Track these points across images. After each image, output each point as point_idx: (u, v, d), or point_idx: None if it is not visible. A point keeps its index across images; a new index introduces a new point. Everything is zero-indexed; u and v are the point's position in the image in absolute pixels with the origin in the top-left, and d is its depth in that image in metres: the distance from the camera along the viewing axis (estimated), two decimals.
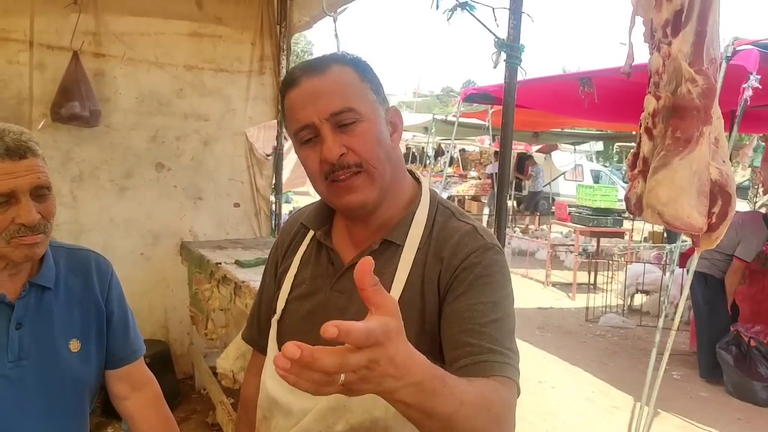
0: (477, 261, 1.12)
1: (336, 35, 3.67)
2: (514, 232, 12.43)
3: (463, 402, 0.88)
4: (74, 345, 1.43)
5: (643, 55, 1.73)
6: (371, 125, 1.14)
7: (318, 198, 1.36)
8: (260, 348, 1.42)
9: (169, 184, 4.34)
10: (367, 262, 0.75)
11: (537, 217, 14.20)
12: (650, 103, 1.49)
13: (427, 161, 17.80)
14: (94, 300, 1.49)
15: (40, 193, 1.33)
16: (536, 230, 13.44)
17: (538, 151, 15.80)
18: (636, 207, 1.59)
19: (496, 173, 11.56)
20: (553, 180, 14.34)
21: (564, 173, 15.99)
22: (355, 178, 1.13)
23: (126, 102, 4.14)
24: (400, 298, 1.13)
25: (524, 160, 15.03)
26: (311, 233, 1.31)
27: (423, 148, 19.95)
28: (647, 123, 1.50)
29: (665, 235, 11.37)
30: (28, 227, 1.30)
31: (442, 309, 1.13)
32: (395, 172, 1.20)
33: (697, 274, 5.22)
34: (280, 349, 1.23)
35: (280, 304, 1.29)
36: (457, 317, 1.09)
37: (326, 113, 1.11)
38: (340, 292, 1.20)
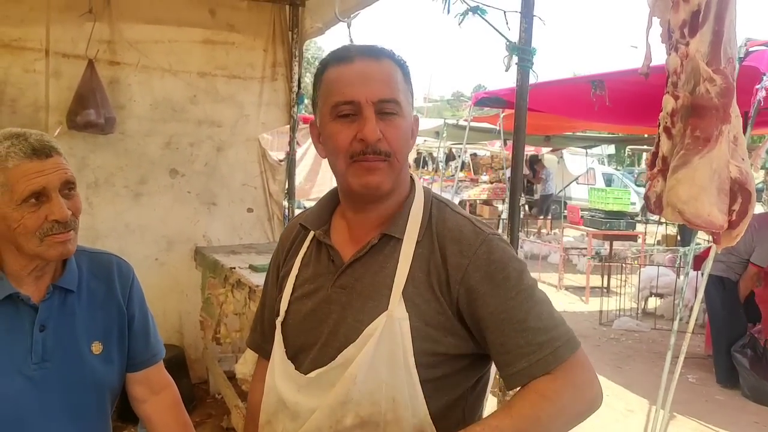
0: (485, 255, 1.16)
1: (351, 41, 3.69)
2: (527, 236, 12.40)
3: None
4: (96, 347, 1.45)
5: (657, 57, 1.74)
6: (405, 123, 1.20)
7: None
8: (265, 353, 1.42)
9: (183, 189, 4.38)
10: None
11: (548, 221, 14.16)
12: (669, 103, 1.50)
13: (439, 166, 17.80)
14: (116, 303, 1.51)
15: (68, 189, 1.36)
16: (548, 234, 13.40)
17: (550, 152, 15.74)
18: (656, 206, 1.60)
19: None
20: (566, 186, 14.27)
21: (577, 178, 15.93)
22: (380, 162, 1.16)
23: (140, 109, 4.18)
24: (403, 291, 1.16)
25: (534, 163, 14.98)
26: (311, 235, 1.33)
27: (434, 152, 19.96)
28: (666, 122, 1.51)
29: (679, 237, 11.32)
30: (61, 223, 1.32)
31: (461, 307, 1.16)
32: (405, 172, 1.26)
33: (713, 278, 5.18)
34: (286, 350, 1.26)
35: (283, 306, 1.31)
36: (495, 321, 1.13)
37: (375, 97, 1.14)
38: (342, 288, 1.23)
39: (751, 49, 3.57)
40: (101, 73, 3.89)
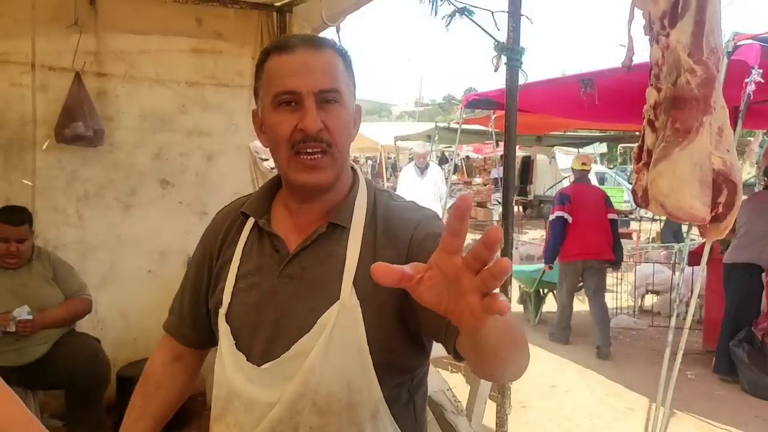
0: (429, 230, 1.19)
1: (341, 45, 3.68)
2: (524, 234, 12.40)
3: (513, 325, 0.98)
4: None
5: (644, 52, 1.73)
6: (347, 112, 1.21)
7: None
8: (181, 337, 1.45)
9: (175, 200, 4.35)
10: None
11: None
12: (651, 96, 1.49)
13: None
14: None
15: None
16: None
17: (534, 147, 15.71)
18: (643, 199, 1.58)
19: (500, 177, 11.54)
20: (552, 186, 14.30)
21: (566, 177, 15.95)
22: (321, 157, 1.17)
23: (129, 120, 4.15)
24: (354, 278, 1.17)
25: (528, 164, 14.98)
26: (250, 224, 1.32)
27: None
28: (649, 115, 1.50)
29: (661, 227, 11.34)
30: None
31: None
32: (347, 161, 1.27)
33: (739, 266, 5.17)
34: (236, 344, 1.24)
35: (226, 297, 1.28)
36: None
37: (316, 88, 1.15)
38: (289, 278, 1.22)
39: (739, 43, 3.57)
40: (88, 85, 3.87)
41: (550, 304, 7.43)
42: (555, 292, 7.17)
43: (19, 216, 3.36)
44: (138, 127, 4.19)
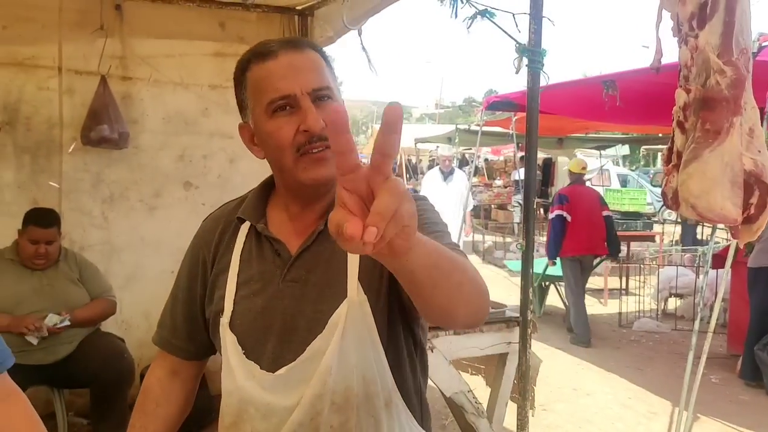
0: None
1: (363, 48, 3.70)
2: (544, 236, 12.33)
3: (452, 255, 0.97)
4: None
5: (669, 54, 1.72)
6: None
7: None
8: (177, 350, 1.41)
9: (198, 202, 4.38)
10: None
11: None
12: (681, 97, 1.48)
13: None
14: None
15: None
16: None
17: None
18: (673, 201, 1.57)
19: (520, 179, 11.51)
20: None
21: (590, 179, 15.85)
22: (327, 151, 1.15)
23: (153, 123, 4.21)
24: (360, 273, 1.17)
25: (549, 166, 14.89)
26: (245, 229, 1.30)
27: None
28: (679, 117, 1.49)
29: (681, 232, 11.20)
30: None
31: None
32: None
33: (764, 270, 5.10)
34: (245, 352, 1.23)
35: (228, 306, 1.25)
36: None
37: (309, 87, 1.15)
38: (294, 281, 1.21)
39: (764, 44, 3.53)
40: (114, 88, 3.92)
41: (553, 299, 7.50)
42: (556, 285, 7.65)
43: (47, 218, 3.42)
44: (162, 130, 4.24)
